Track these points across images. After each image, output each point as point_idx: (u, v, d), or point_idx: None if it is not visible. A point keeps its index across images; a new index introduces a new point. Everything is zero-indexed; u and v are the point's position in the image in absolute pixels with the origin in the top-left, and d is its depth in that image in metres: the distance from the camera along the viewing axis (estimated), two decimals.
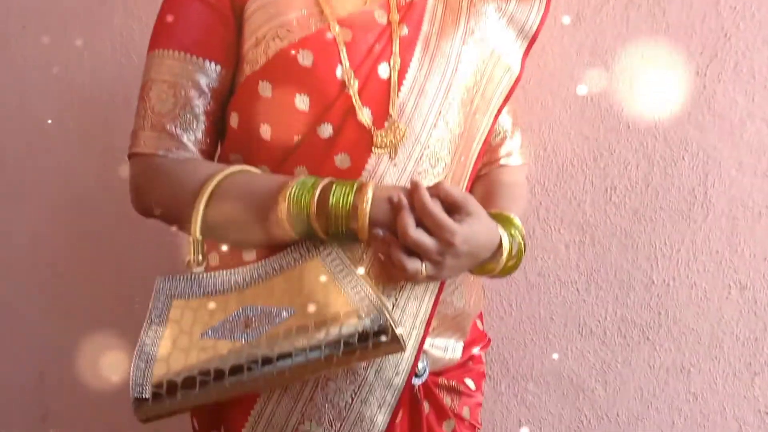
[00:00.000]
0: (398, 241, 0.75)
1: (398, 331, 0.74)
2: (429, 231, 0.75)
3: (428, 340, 0.89)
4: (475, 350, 0.99)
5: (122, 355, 1.30)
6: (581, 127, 1.29)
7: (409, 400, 0.87)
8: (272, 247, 0.81)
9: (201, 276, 0.81)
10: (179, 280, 0.81)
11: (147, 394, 0.73)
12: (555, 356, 1.35)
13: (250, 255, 0.83)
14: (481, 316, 1.05)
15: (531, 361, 1.36)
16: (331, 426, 0.81)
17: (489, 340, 1.06)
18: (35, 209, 1.44)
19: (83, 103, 1.41)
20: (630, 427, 1.35)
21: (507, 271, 0.85)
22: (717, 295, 1.31)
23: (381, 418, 0.82)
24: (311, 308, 0.76)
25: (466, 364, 0.97)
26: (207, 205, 0.78)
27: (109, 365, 1.36)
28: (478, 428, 1.01)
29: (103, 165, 1.39)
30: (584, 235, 1.32)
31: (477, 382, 0.98)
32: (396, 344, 0.75)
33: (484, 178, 0.99)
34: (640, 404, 1.35)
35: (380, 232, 0.75)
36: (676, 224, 1.29)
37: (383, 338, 0.74)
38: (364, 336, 0.74)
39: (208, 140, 0.86)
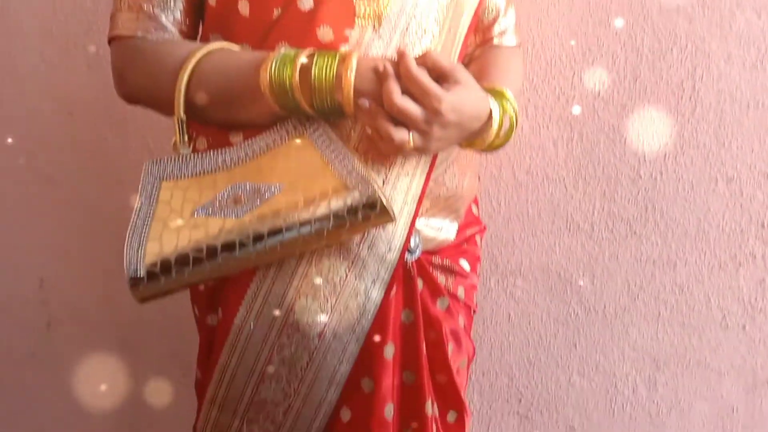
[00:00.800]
0: (384, 111, 0.75)
1: (387, 201, 0.76)
2: (416, 99, 0.75)
3: (422, 221, 0.90)
4: (470, 231, 1.00)
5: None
6: (569, 23, 1.28)
7: (402, 276, 0.88)
8: (259, 128, 0.82)
9: (188, 157, 0.83)
10: (167, 162, 0.83)
11: (141, 273, 0.76)
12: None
13: (237, 137, 0.84)
14: (476, 202, 1.06)
15: (519, 257, 1.39)
16: (327, 301, 0.84)
17: (485, 227, 1.08)
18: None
19: None
20: (617, 319, 1.39)
21: (497, 144, 0.86)
22: (703, 188, 1.32)
23: (375, 293, 0.85)
24: (300, 184, 0.78)
25: (461, 246, 0.99)
26: (188, 84, 0.80)
27: (110, 271, 1.42)
28: (474, 310, 1.04)
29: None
30: (572, 132, 1.32)
31: (472, 264, 1.00)
32: (385, 216, 0.77)
33: (478, 59, 0.99)
34: (626, 297, 1.38)
35: (366, 102, 0.75)
36: (663, 118, 1.30)
37: (372, 210, 0.76)
38: (353, 209, 0.76)
39: (188, 21, 0.86)
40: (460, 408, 0.97)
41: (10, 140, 1.42)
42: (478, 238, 1.04)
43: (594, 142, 1.32)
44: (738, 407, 1.41)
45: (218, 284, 0.88)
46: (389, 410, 0.88)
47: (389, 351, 0.88)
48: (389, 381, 0.88)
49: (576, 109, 1.28)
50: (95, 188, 1.43)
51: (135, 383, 1.47)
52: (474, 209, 1.05)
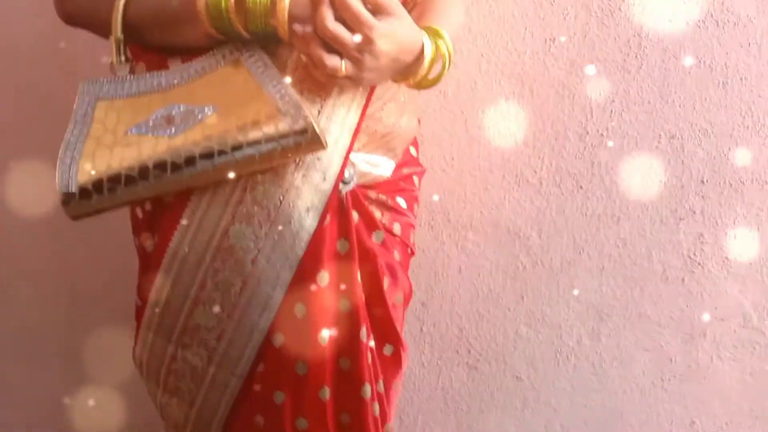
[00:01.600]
0: (318, 38, 0.77)
1: (319, 129, 0.78)
2: (348, 27, 0.77)
3: (359, 156, 0.92)
4: (407, 170, 1.03)
5: None
6: None
7: (336, 206, 0.90)
8: (196, 52, 0.84)
9: (125, 78, 0.84)
10: (103, 82, 0.85)
11: (73, 189, 0.77)
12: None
13: (174, 62, 0.86)
14: (415, 144, 1.08)
15: (471, 211, 1.42)
16: (261, 227, 0.85)
17: (424, 170, 1.10)
18: None
19: None
20: (562, 272, 1.44)
21: (429, 82, 0.88)
22: (647, 145, 1.37)
23: (309, 221, 0.86)
24: (233, 108, 0.80)
25: (398, 183, 1.00)
26: (126, 4, 0.81)
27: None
28: (412, 250, 1.06)
29: None
30: (523, 87, 1.35)
31: (409, 203, 1.02)
32: (317, 143, 0.79)
33: (420, 4, 1.01)
34: (572, 250, 1.43)
35: (299, 27, 0.77)
36: (611, 75, 1.34)
37: (304, 136, 0.78)
38: (285, 134, 0.78)
39: None
40: (396, 342, 0.99)
41: None
42: (416, 178, 1.06)
43: (544, 97, 1.35)
44: (676, 358, 1.47)
45: (155, 210, 0.89)
46: (323, 336, 0.90)
47: (323, 278, 0.89)
48: (323, 306, 0.89)
49: (534, 56, 1.30)
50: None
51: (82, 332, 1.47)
52: (413, 151, 1.07)
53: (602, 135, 1.37)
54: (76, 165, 0.78)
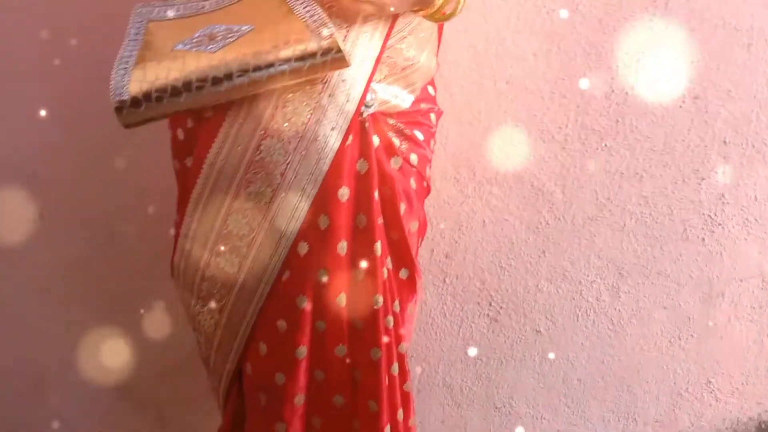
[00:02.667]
0: None
1: (343, 46, 0.87)
2: None
3: (380, 86, 0.99)
4: (425, 105, 1.09)
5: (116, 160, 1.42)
6: None
7: (358, 128, 0.97)
8: None
9: (173, 3, 0.95)
10: (154, 6, 0.96)
11: (125, 97, 0.86)
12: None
13: None
14: (433, 84, 1.14)
15: (496, 166, 1.46)
16: (290, 142, 0.93)
17: (441, 111, 1.16)
18: None
19: None
20: (584, 228, 1.47)
21: (443, 16, 0.95)
22: (672, 105, 1.40)
23: (333, 139, 0.94)
24: (268, 28, 0.89)
25: (416, 116, 1.07)
26: None
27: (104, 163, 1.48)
28: (428, 184, 1.12)
29: None
30: (552, 44, 1.40)
31: (426, 137, 1.08)
32: (342, 60, 0.88)
33: None
34: (594, 207, 1.46)
35: None
36: (637, 34, 1.37)
37: (330, 54, 0.87)
38: (312, 53, 0.87)
39: None
40: (411, 267, 1.06)
41: None
42: (433, 116, 1.12)
43: (571, 55, 1.39)
44: (693, 317, 1.50)
45: (196, 126, 0.98)
46: (342, 246, 0.97)
47: (344, 194, 0.96)
48: (342, 221, 0.97)
49: (563, 13, 1.34)
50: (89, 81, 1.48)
51: (121, 273, 1.54)
52: (431, 90, 1.13)
53: (627, 93, 1.40)
54: (129, 76, 0.88)
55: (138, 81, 0.87)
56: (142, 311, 1.54)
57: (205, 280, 0.99)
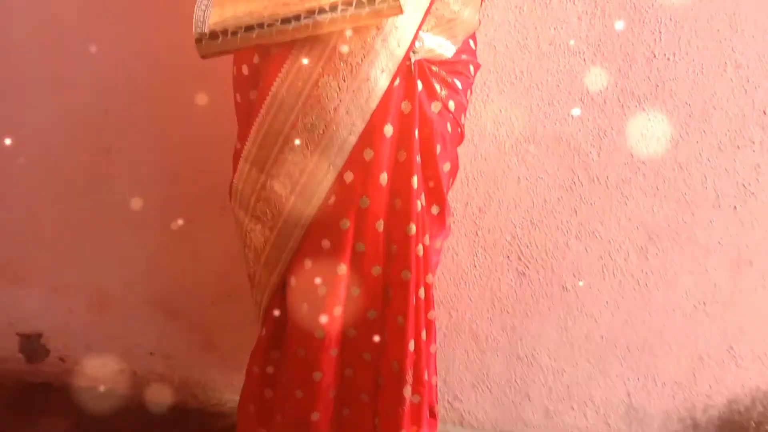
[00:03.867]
0: None
1: None
2: None
3: (427, 35, 1.08)
4: (465, 57, 1.17)
5: (178, 102, 1.53)
6: None
7: (405, 72, 1.06)
8: None
9: None
10: None
11: (205, 30, 0.99)
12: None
13: None
14: (474, 38, 1.22)
15: (534, 124, 1.52)
16: (344, 80, 1.03)
17: (479, 64, 1.23)
18: None
19: None
20: (617, 189, 1.52)
21: None
22: (713, 73, 1.42)
23: (382, 81, 1.04)
24: None
25: (456, 66, 1.15)
26: None
27: (168, 104, 1.61)
28: (461, 131, 1.20)
29: None
30: (596, 8, 1.43)
31: (464, 86, 1.17)
32: (396, 8, 0.97)
33: None
34: (629, 170, 1.50)
35: None
36: (682, 1, 1.39)
37: (387, 2, 0.96)
38: (371, 0, 0.96)
39: None
40: (442, 204, 1.17)
41: None
42: (471, 68, 1.20)
43: (615, 18, 1.43)
44: (720, 284, 1.53)
45: (261, 62, 1.09)
46: (383, 178, 1.08)
47: (388, 130, 1.06)
48: (385, 155, 1.07)
49: None
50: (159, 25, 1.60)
51: (179, 206, 1.67)
52: (471, 44, 1.21)
53: (668, 59, 1.43)
54: (210, 11, 0.98)
55: (217, 16, 0.99)
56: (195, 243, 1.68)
57: (260, 201, 1.11)
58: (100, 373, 1.82)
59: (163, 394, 1.78)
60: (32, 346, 1.86)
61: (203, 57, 1.01)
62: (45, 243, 1.77)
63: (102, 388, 1.80)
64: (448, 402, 1.70)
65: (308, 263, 1.13)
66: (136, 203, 1.68)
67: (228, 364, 1.75)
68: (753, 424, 1.60)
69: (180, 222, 1.69)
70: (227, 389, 1.76)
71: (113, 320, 1.79)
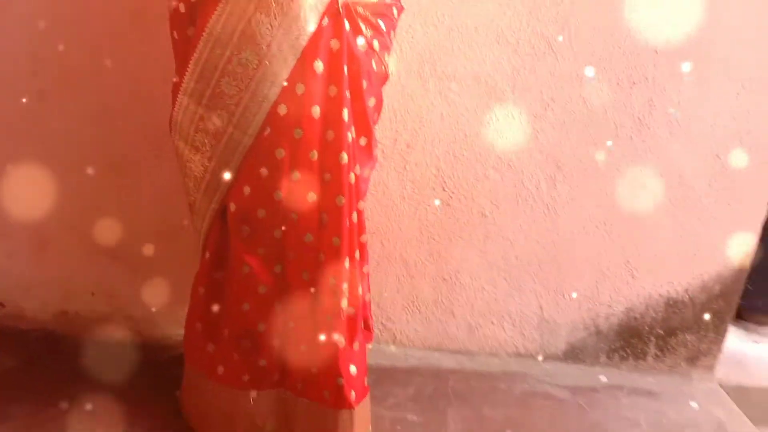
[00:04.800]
0: None
1: None
2: None
3: None
4: (388, 0, 1.26)
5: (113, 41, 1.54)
6: None
7: (333, 12, 1.14)
8: None
9: None
10: None
11: None
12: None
13: None
14: None
15: (455, 65, 1.63)
16: (276, 18, 1.11)
17: (403, 7, 1.32)
18: None
19: None
20: (529, 124, 1.67)
21: None
22: (613, 15, 1.58)
23: (312, 19, 1.12)
24: None
25: (381, 8, 1.24)
26: None
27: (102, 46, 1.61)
28: (386, 70, 1.29)
29: None
30: None
31: (387, 27, 1.26)
32: None
33: None
34: (540, 105, 1.65)
35: None
36: None
37: None
38: None
39: None
40: (369, 136, 1.26)
41: None
42: (395, 10, 1.29)
43: None
44: (618, 206, 1.73)
45: (196, 3, 1.15)
46: (315, 111, 1.17)
47: (318, 66, 1.15)
48: (316, 89, 1.15)
49: None
50: None
51: (115, 146, 1.71)
52: None
53: (572, 3, 1.57)
54: None
55: None
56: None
57: (198, 132, 1.19)
58: (41, 316, 1.86)
59: (107, 333, 1.84)
60: None
61: None
62: None
63: (44, 330, 1.84)
64: (382, 323, 1.85)
65: (247, 189, 1.21)
66: (73, 145, 1.71)
67: (171, 299, 1.83)
68: (646, 328, 1.84)
69: (116, 162, 1.72)
70: (171, 324, 1.84)
71: (53, 263, 1.82)
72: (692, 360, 1.85)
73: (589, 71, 1.62)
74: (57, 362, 1.71)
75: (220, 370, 1.35)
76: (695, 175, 1.70)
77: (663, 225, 1.74)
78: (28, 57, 1.66)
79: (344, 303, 1.26)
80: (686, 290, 1.80)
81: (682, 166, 1.70)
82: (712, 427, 1.66)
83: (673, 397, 1.76)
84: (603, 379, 1.82)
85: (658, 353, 1.85)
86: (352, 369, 1.30)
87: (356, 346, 1.32)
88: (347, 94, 1.18)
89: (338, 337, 1.27)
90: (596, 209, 1.73)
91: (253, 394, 1.35)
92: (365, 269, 1.35)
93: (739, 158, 1.67)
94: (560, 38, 1.60)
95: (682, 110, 1.65)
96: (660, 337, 1.83)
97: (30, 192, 1.76)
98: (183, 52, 1.19)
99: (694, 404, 1.74)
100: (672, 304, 1.81)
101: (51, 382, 1.61)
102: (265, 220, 1.21)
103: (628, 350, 1.85)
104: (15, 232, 1.80)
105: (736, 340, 2.03)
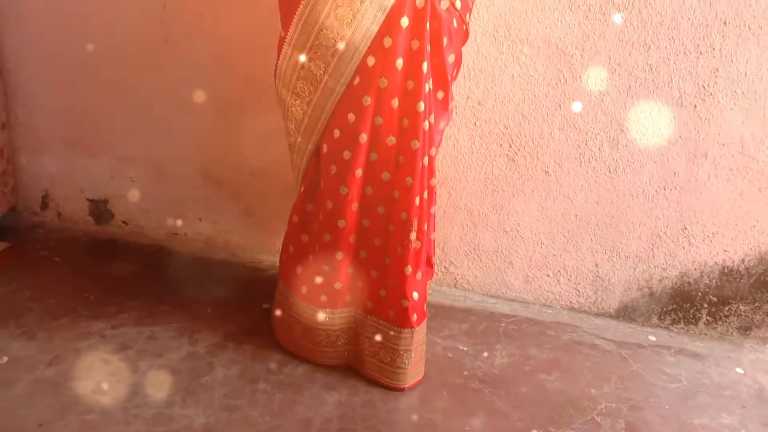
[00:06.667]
0: None
1: None
2: None
3: None
4: None
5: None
6: None
7: None
8: None
9: None
10: None
11: None
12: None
13: None
14: None
15: (528, 28, 1.76)
16: None
17: None
18: None
19: None
20: (596, 87, 1.77)
21: None
22: None
23: None
24: None
25: None
26: None
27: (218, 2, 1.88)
28: (466, 28, 1.44)
29: None
30: None
31: None
32: None
33: None
34: (606, 70, 1.75)
35: None
36: None
37: None
38: None
39: None
40: (446, 90, 1.42)
41: None
42: None
43: None
44: (678, 171, 1.80)
45: None
46: (399, 62, 1.34)
47: (404, 22, 1.32)
48: (402, 42, 1.32)
49: None
50: None
51: (224, 91, 1.97)
52: None
53: None
54: None
55: None
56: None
57: (299, 79, 1.39)
58: (156, 233, 2.18)
59: (209, 252, 2.14)
60: (99, 210, 2.22)
61: None
62: (111, 120, 2.10)
63: (158, 246, 2.16)
64: (445, 267, 2.02)
65: (337, 132, 1.41)
66: (189, 87, 1.99)
67: (264, 229, 2.09)
68: (699, 294, 1.89)
69: (225, 105, 2.00)
70: (263, 251, 2.11)
71: (169, 190, 2.14)
72: (745, 330, 1.89)
73: (657, 39, 1.70)
74: (167, 272, 2.03)
75: (304, 289, 1.57)
76: (757, 146, 1.73)
77: (722, 194, 1.79)
78: (158, 5, 1.94)
79: (413, 236, 1.44)
80: (743, 260, 1.84)
81: (744, 137, 1.74)
82: (752, 391, 1.71)
83: (718, 361, 1.82)
84: (652, 338, 1.90)
85: (710, 319, 1.90)
86: (415, 294, 1.49)
87: (419, 275, 1.50)
88: (428, 48, 1.34)
89: (406, 266, 1.45)
90: (656, 174, 1.81)
91: (330, 311, 1.57)
92: (432, 210, 1.52)
93: None
94: (630, 6, 1.68)
95: (748, 81, 1.69)
96: (713, 304, 1.89)
97: (151, 126, 2.07)
98: (288, 7, 1.38)
99: (739, 370, 1.79)
100: (727, 273, 1.86)
101: (161, 287, 1.92)
102: (350, 161, 1.40)
103: (680, 314, 1.92)
104: (138, 160, 2.12)
105: None
